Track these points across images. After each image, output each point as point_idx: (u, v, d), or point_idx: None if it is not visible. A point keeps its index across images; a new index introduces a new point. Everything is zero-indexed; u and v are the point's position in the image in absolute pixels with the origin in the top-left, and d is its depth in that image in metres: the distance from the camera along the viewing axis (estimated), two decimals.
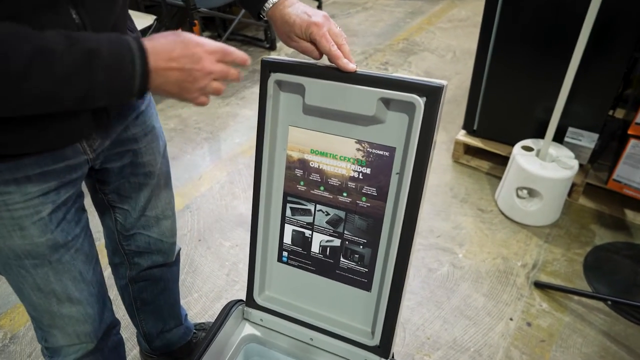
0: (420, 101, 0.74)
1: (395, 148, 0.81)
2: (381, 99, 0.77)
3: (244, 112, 2.63)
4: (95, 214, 1.00)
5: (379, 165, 0.83)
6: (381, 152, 0.82)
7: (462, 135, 2.05)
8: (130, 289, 1.14)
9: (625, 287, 1.50)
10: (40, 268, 0.78)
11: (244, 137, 2.40)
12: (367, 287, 0.92)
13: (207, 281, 1.64)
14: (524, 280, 1.56)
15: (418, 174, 0.79)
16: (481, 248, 1.69)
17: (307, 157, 0.89)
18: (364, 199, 0.86)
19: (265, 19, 0.82)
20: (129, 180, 0.93)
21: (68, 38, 0.55)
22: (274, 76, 0.83)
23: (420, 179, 0.79)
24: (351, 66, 0.77)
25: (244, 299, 1.04)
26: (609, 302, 1.39)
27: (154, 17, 2.55)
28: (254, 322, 1.03)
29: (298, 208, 0.93)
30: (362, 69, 0.79)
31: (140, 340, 1.31)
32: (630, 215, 1.79)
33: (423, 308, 1.48)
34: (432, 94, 0.74)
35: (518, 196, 1.74)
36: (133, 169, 0.93)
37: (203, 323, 1.42)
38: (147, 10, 2.94)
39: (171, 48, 0.61)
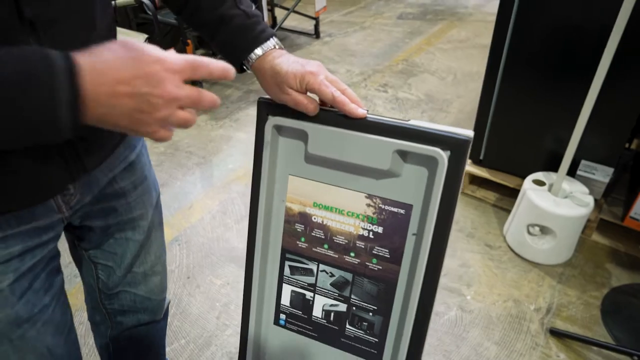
0: (443, 156, 0.64)
1: (412, 205, 0.70)
2: (397, 152, 0.67)
3: (238, 135, 2.53)
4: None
5: (392, 224, 0.72)
6: (396, 210, 0.71)
7: (467, 165, 1.95)
8: (111, 349, 1.02)
9: None
10: None
11: (238, 162, 2.29)
12: (376, 358, 0.80)
13: (196, 325, 1.51)
14: (538, 327, 1.45)
15: (439, 236, 0.68)
16: (491, 289, 1.58)
17: (310, 210, 0.77)
18: (374, 260, 0.75)
19: (249, 71, 0.72)
20: (114, 236, 0.82)
21: None
22: (273, 120, 0.73)
23: (442, 241, 0.68)
24: (360, 111, 0.67)
25: None
26: (636, 358, 1.28)
27: (146, 35, 2.45)
28: None
29: (298, 267, 0.82)
30: (373, 114, 0.68)
31: None
32: None
33: (430, 359, 1.36)
34: (458, 148, 0.64)
35: (529, 233, 1.63)
36: (120, 225, 0.82)
37: None
38: (139, 28, 2.84)
39: (119, 66, 0.45)
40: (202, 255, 1.78)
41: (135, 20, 2.86)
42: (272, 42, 0.70)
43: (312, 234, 0.79)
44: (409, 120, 0.67)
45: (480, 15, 4.14)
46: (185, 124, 0.51)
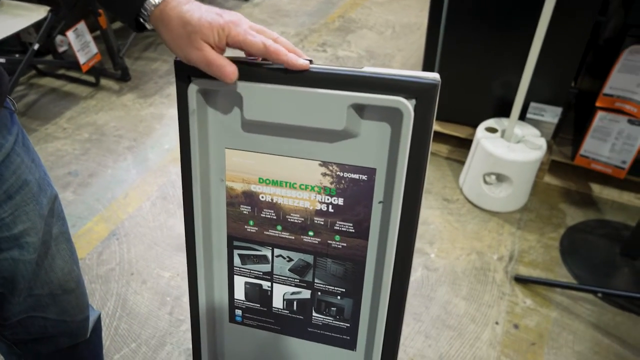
0: (408, 105, 0.53)
1: (375, 169, 0.60)
2: (352, 107, 0.55)
3: (171, 112, 2.31)
4: None
5: (354, 193, 0.61)
6: (357, 176, 0.60)
7: None
8: None
9: (606, 269, 1.42)
10: None
11: (174, 141, 2.09)
12: (350, 345, 0.71)
13: (147, 325, 1.37)
14: (503, 276, 1.43)
15: (410, 200, 0.58)
16: (453, 244, 1.54)
17: (255, 188, 0.65)
18: (337, 237, 0.65)
19: (149, 26, 0.55)
20: None
21: None
22: (197, 83, 0.58)
23: (414, 207, 0.58)
24: (302, 62, 0.54)
25: None
26: (600, 295, 1.29)
27: (48, 8, 2.14)
28: None
29: (249, 255, 0.70)
30: (318, 65, 0.56)
31: None
32: (597, 189, 1.72)
33: None
34: (425, 94, 0.53)
35: (486, 182, 1.60)
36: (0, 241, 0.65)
37: None
38: (42, 1, 2.48)
39: None
40: (145, 247, 1.61)
41: None
42: None
43: (262, 215, 0.66)
44: (362, 68, 0.55)
45: None
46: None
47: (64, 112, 2.31)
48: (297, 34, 2.97)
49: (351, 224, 0.63)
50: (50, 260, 0.72)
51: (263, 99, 0.57)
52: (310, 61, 0.56)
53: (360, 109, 0.56)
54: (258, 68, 0.56)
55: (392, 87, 0.53)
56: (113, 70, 2.50)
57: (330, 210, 0.63)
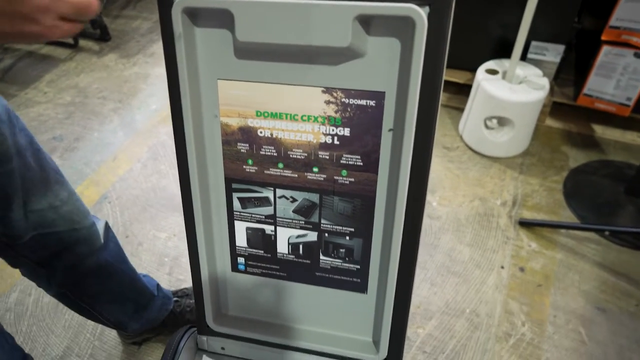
0: (421, 13, 0.47)
1: (384, 93, 0.54)
2: (358, 19, 0.49)
3: (156, 71, 2.21)
4: None
5: (361, 121, 0.56)
6: (364, 102, 0.55)
7: None
8: (69, 293, 0.89)
9: (611, 209, 1.40)
10: None
11: (162, 101, 2.00)
12: (361, 288, 0.68)
13: None
14: (507, 221, 1.41)
15: (424, 126, 0.53)
16: (455, 192, 1.51)
17: (253, 122, 0.60)
18: (344, 172, 0.60)
19: None
20: None
21: None
22: (183, 1, 0.52)
23: (427, 133, 0.54)
24: None
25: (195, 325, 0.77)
26: (607, 233, 1.27)
27: None
28: (213, 353, 0.77)
29: (250, 197, 0.65)
30: None
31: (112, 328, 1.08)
32: (599, 130, 1.68)
33: None
34: (440, 0, 0.47)
35: (487, 127, 1.55)
36: None
37: (186, 288, 1.18)
38: None
39: None
40: (139, 210, 1.56)
41: None
42: None
43: (261, 152, 0.61)
44: None
45: None
46: (80, 7, 0.39)
47: (43, 75, 2.20)
48: None
49: (359, 157, 0.58)
50: (32, 171, 0.70)
51: (257, 16, 0.51)
52: None
53: (366, 23, 0.50)
54: None
55: None
56: (92, 30, 2.37)
57: (336, 142, 0.58)
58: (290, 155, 0.61)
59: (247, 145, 0.61)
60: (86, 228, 0.83)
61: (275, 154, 0.61)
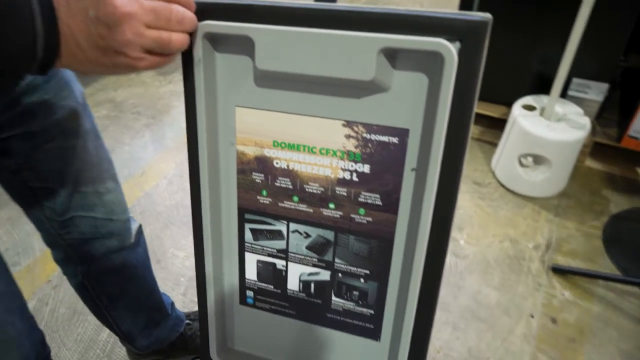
0: (451, 49, 0.44)
1: (408, 130, 0.51)
2: (384, 52, 0.46)
3: None
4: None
5: (383, 158, 0.53)
6: (386, 139, 0.52)
7: None
8: (90, 287, 0.91)
9: None
10: None
11: None
12: (374, 334, 0.63)
13: None
14: (539, 266, 1.32)
15: (449, 167, 0.49)
16: (484, 230, 1.44)
17: (269, 153, 0.57)
18: (362, 211, 0.56)
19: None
20: (43, 147, 0.70)
21: None
22: (205, 26, 0.50)
23: (453, 175, 0.49)
24: None
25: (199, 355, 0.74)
26: None
27: None
28: None
29: (262, 230, 0.62)
30: (344, 4, 0.47)
31: (123, 341, 1.09)
32: None
33: None
34: (472, 35, 0.44)
35: (521, 165, 1.49)
36: (45, 130, 0.69)
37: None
38: None
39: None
40: (161, 226, 1.56)
41: None
42: None
43: (276, 184, 0.59)
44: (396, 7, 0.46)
45: None
46: (160, 42, 0.43)
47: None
48: None
49: (378, 196, 0.55)
50: (88, 154, 0.75)
51: (278, 45, 0.49)
52: (333, 0, 0.47)
53: (392, 56, 0.47)
54: (271, 7, 0.48)
55: (432, 27, 0.44)
56: None
57: (355, 178, 0.55)
58: (306, 189, 0.57)
59: (262, 175, 0.59)
60: (121, 222, 0.86)
61: (290, 187, 0.58)
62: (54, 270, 1.46)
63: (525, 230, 1.43)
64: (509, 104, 1.58)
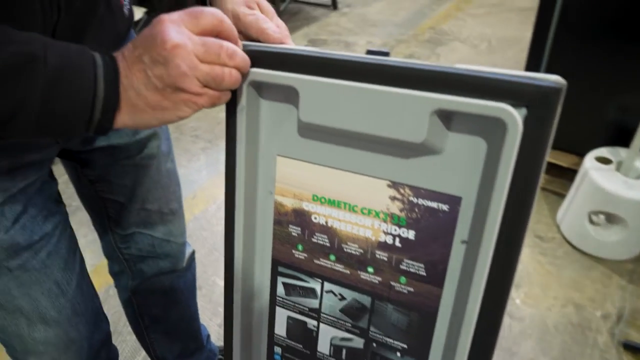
0: (515, 116, 0.38)
1: (461, 198, 0.45)
2: (438, 113, 0.41)
3: None
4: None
5: (430, 226, 0.47)
6: (435, 205, 0.47)
7: None
8: (135, 304, 0.94)
9: None
10: None
11: None
12: None
13: None
14: (607, 339, 1.18)
15: (506, 244, 0.43)
16: (545, 291, 1.31)
17: (308, 206, 0.54)
18: (403, 279, 0.51)
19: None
20: (122, 162, 0.74)
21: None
22: (250, 74, 0.48)
23: (511, 253, 0.43)
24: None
25: None
26: None
27: (144, 9, 2.24)
28: None
29: (295, 285, 0.58)
30: (396, 58, 0.43)
31: None
32: None
33: None
34: (541, 102, 0.38)
35: (592, 222, 1.35)
36: (127, 147, 0.72)
37: None
38: (141, 4, 2.62)
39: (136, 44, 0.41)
40: (205, 252, 1.57)
41: None
42: None
43: (313, 239, 0.55)
44: (453, 65, 0.42)
45: None
46: (214, 76, 0.42)
47: None
48: (383, 45, 2.85)
49: (422, 265, 0.49)
50: (160, 175, 0.78)
51: (324, 98, 0.46)
52: (386, 53, 0.44)
53: (447, 117, 0.42)
54: (318, 58, 0.45)
55: (495, 90, 0.39)
56: None
57: (397, 244, 0.50)
58: (344, 249, 0.53)
59: (299, 229, 0.55)
60: (178, 244, 0.88)
61: (327, 244, 0.54)
62: (102, 287, 1.50)
63: (593, 295, 1.29)
64: (580, 154, 1.46)
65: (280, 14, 2.79)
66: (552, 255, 1.41)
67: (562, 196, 1.54)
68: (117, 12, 0.62)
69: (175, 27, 0.39)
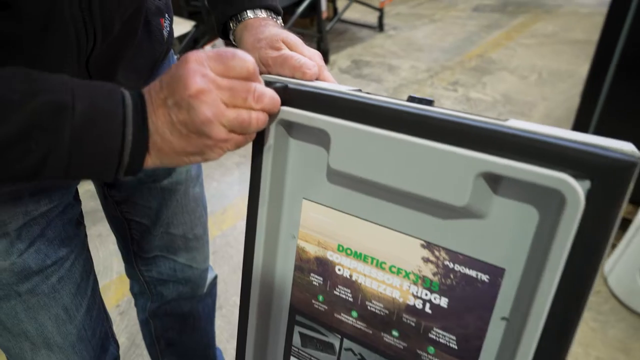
0: (577, 189, 0.33)
1: (503, 270, 0.40)
2: (484, 176, 0.37)
3: None
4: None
5: (466, 295, 0.42)
6: (473, 274, 0.41)
7: None
8: (152, 326, 0.93)
9: None
10: (5, 301, 0.57)
11: None
12: None
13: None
14: None
15: (557, 329, 0.37)
16: (586, 350, 1.20)
17: (332, 257, 0.49)
18: (431, 349, 0.46)
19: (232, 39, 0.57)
20: (148, 184, 0.73)
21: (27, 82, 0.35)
22: (280, 112, 0.45)
23: (562, 340, 0.37)
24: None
25: None
26: None
27: (193, 23, 2.28)
28: None
29: (312, 337, 0.54)
30: (438, 107, 0.39)
31: None
32: None
33: None
34: (610, 176, 0.33)
35: None
36: (154, 170, 0.72)
37: None
38: (191, 17, 2.69)
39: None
40: (229, 270, 1.55)
41: (187, 8, 2.72)
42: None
43: (335, 292, 0.50)
44: (506, 120, 0.37)
45: (570, 7, 3.62)
46: (239, 122, 0.40)
47: None
48: (427, 70, 2.80)
49: (454, 337, 0.44)
50: (187, 199, 0.76)
51: (357, 145, 0.42)
52: (429, 102, 0.39)
53: (494, 180, 0.38)
54: (354, 101, 0.41)
55: (554, 156, 0.34)
56: None
57: (427, 310, 0.45)
58: (368, 307, 0.49)
59: (321, 279, 0.51)
60: (200, 271, 0.87)
61: (350, 299, 0.50)
62: (125, 296, 1.50)
63: None
64: (636, 202, 1.34)
65: (326, 33, 2.80)
66: (596, 310, 1.30)
67: (614, 246, 1.42)
68: (157, 35, 0.61)
69: (200, 70, 0.37)
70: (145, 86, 0.41)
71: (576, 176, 0.33)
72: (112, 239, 1.42)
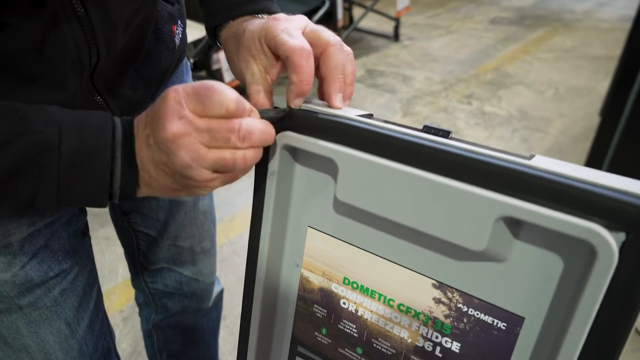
0: (610, 242, 0.30)
1: (523, 319, 0.37)
2: (504, 220, 0.34)
3: None
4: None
5: (480, 342, 0.39)
6: (489, 320, 0.38)
7: None
8: (156, 338, 0.92)
9: None
10: (6, 315, 0.55)
11: None
12: None
13: None
14: None
15: None
16: None
17: (337, 289, 0.47)
18: None
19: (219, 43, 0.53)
20: (156, 197, 0.71)
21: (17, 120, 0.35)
22: (284, 138, 0.43)
23: None
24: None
25: None
26: None
27: None
28: None
29: None
30: (455, 139, 0.36)
31: None
32: None
33: None
34: None
35: None
36: None
37: None
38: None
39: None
40: (235, 280, 1.53)
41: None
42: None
43: (339, 326, 0.48)
44: (531, 157, 0.34)
45: (590, 22, 3.56)
46: (221, 164, 0.38)
47: None
48: (442, 82, 2.76)
49: None
50: (197, 212, 0.75)
51: (366, 177, 0.39)
52: (447, 133, 0.36)
53: (516, 224, 0.34)
54: (365, 130, 0.38)
55: (584, 204, 0.31)
56: None
57: (437, 353, 0.42)
58: (374, 344, 0.46)
59: (325, 311, 0.48)
60: (206, 284, 0.86)
61: (355, 334, 0.47)
62: (129, 301, 1.49)
63: None
64: None
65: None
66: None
67: None
68: (168, 43, 0.59)
69: (178, 111, 0.35)
70: (154, 97, 0.39)
71: (610, 227, 0.30)
72: (119, 242, 1.41)
